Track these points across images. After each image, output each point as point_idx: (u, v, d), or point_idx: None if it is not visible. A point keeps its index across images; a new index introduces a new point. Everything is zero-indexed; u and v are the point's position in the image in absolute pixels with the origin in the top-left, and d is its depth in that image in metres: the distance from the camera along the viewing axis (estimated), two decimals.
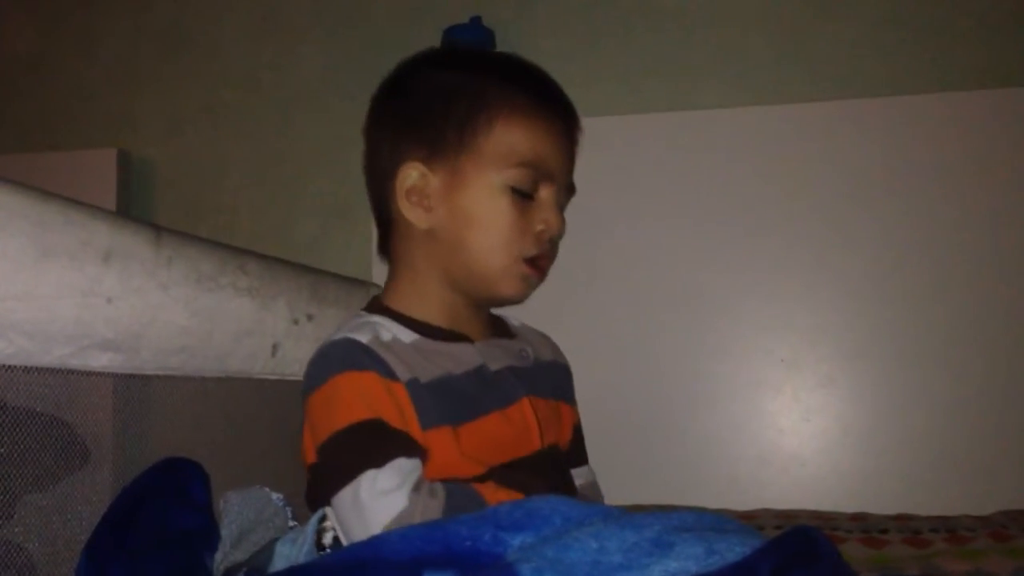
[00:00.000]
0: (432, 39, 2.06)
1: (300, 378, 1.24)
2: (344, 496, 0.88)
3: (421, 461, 0.90)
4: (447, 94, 1.02)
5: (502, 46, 2.06)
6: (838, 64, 1.97)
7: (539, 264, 1.02)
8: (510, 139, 0.99)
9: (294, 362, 1.25)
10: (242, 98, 2.30)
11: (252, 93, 2.30)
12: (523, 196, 1.00)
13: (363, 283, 1.46)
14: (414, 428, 0.92)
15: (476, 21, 2.04)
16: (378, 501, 0.85)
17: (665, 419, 1.89)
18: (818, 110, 1.91)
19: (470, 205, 1.00)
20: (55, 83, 2.41)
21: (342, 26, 2.25)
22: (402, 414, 0.92)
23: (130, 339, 0.96)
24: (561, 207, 1.04)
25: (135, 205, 2.27)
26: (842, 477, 1.82)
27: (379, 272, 1.93)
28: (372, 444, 0.89)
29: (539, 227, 1.00)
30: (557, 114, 1.03)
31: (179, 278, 1.02)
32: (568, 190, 1.06)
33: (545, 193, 1.01)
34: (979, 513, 1.47)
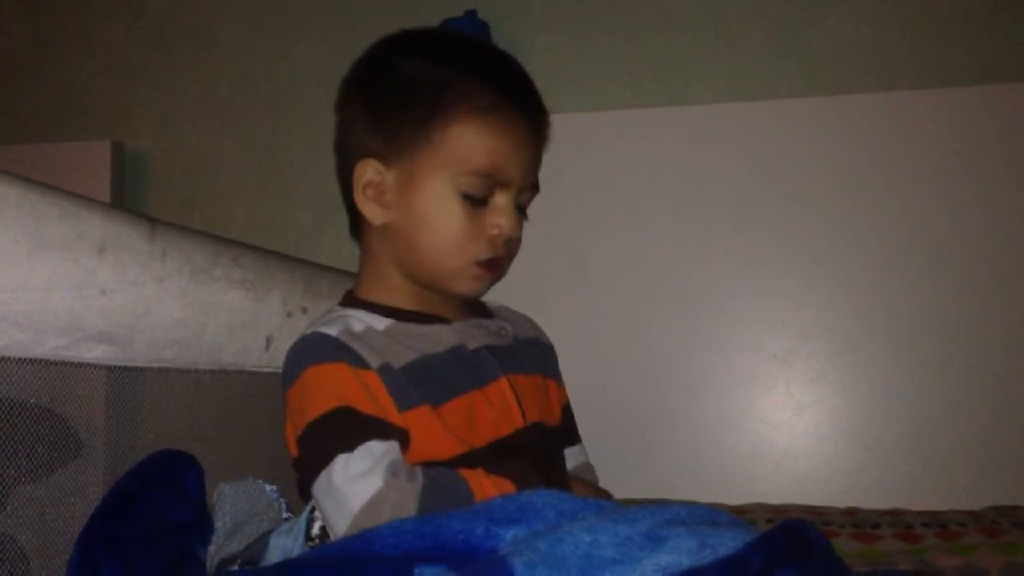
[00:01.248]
0: None
1: None
2: (320, 483, 0.89)
3: (399, 444, 0.91)
4: (408, 88, 1.01)
5: (497, 40, 2.06)
6: (832, 60, 1.97)
7: (494, 264, 1.02)
8: (465, 143, 0.98)
9: None
10: (237, 91, 2.30)
11: (247, 86, 2.29)
12: (475, 202, 0.99)
13: (356, 276, 1.46)
14: (391, 412, 0.93)
15: (471, 15, 2.04)
16: (351, 485, 0.86)
17: (657, 414, 1.89)
18: (811, 106, 1.91)
19: (423, 206, 0.99)
20: (50, 75, 2.40)
21: (337, 20, 2.25)
22: (375, 400, 0.92)
23: (124, 331, 0.96)
24: (522, 206, 1.04)
25: (129, 197, 2.26)
26: (834, 472, 1.82)
27: None
28: (342, 430, 0.90)
29: (492, 231, 1.00)
30: (523, 113, 1.01)
31: (173, 270, 1.02)
32: (531, 188, 1.05)
33: (500, 198, 1.00)
34: (970, 508, 1.47)
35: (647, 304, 1.93)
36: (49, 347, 0.88)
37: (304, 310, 1.27)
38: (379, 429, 0.91)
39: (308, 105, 2.25)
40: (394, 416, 0.93)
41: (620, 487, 1.23)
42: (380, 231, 1.04)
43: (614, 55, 2.07)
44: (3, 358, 0.83)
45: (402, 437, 0.92)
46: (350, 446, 0.88)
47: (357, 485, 0.86)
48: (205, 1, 2.34)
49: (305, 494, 0.95)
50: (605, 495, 1.09)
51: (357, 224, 1.08)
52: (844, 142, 1.87)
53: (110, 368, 0.98)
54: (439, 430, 0.94)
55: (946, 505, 1.50)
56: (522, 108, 1.02)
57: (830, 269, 1.86)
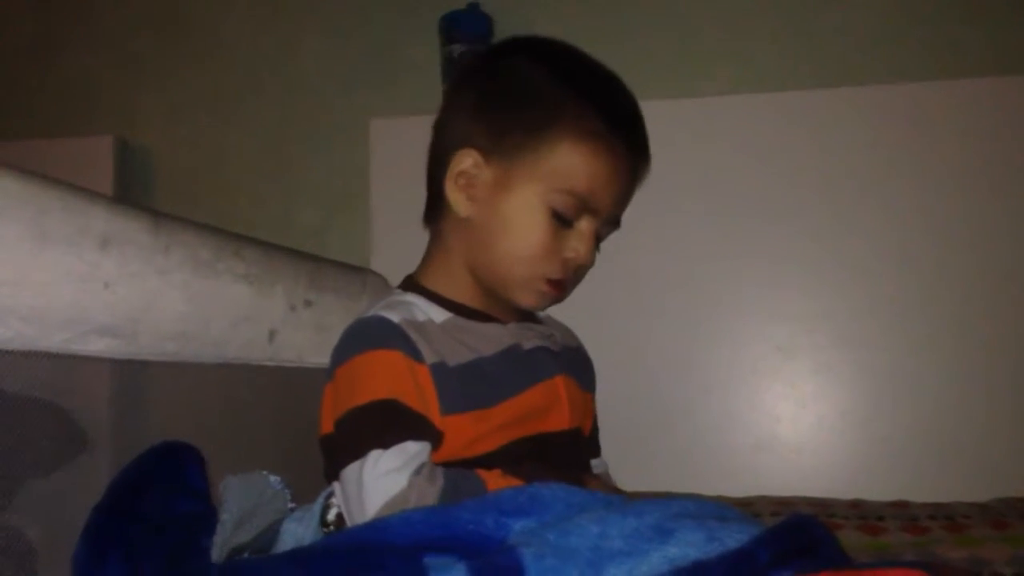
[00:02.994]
0: (430, 26, 2.06)
1: (297, 365, 1.25)
2: (351, 472, 0.89)
3: (431, 444, 0.92)
4: (528, 94, 1.01)
5: (500, 33, 2.06)
6: (839, 52, 1.97)
7: (560, 285, 1.03)
8: (569, 163, 0.98)
9: (291, 349, 1.25)
10: (241, 86, 2.29)
11: (251, 81, 2.29)
12: (562, 220, 0.99)
13: (361, 270, 1.46)
14: (433, 412, 0.93)
15: (474, 8, 2.04)
16: (378, 481, 0.87)
17: (662, 406, 1.89)
18: (818, 98, 1.90)
19: (510, 211, 1.00)
20: (54, 71, 2.40)
21: (343, 14, 2.25)
22: (422, 396, 0.93)
23: (128, 325, 0.96)
24: (600, 238, 1.05)
25: (133, 192, 2.26)
26: (839, 464, 1.82)
27: (377, 260, 1.94)
28: (384, 424, 0.91)
29: (569, 254, 1.01)
30: (628, 149, 1.02)
31: (177, 264, 1.02)
32: (613, 223, 1.06)
33: (585, 224, 1.01)
34: (976, 500, 1.47)
35: (652, 296, 1.93)
36: (53, 340, 0.88)
37: (308, 304, 1.27)
38: (418, 428, 0.92)
39: (314, 100, 2.24)
40: (435, 416, 0.93)
41: (625, 479, 1.23)
42: (460, 222, 1.04)
43: (619, 47, 2.05)
44: (7, 351, 0.83)
45: (437, 438, 0.93)
46: (386, 443, 0.89)
47: (382, 482, 0.87)
48: None
49: (329, 474, 0.95)
50: (616, 492, 1.09)
51: (434, 209, 1.08)
52: (851, 134, 1.87)
53: (114, 361, 0.98)
54: (477, 434, 0.95)
55: (952, 497, 1.50)
56: (629, 144, 1.03)
57: (835, 261, 1.86)
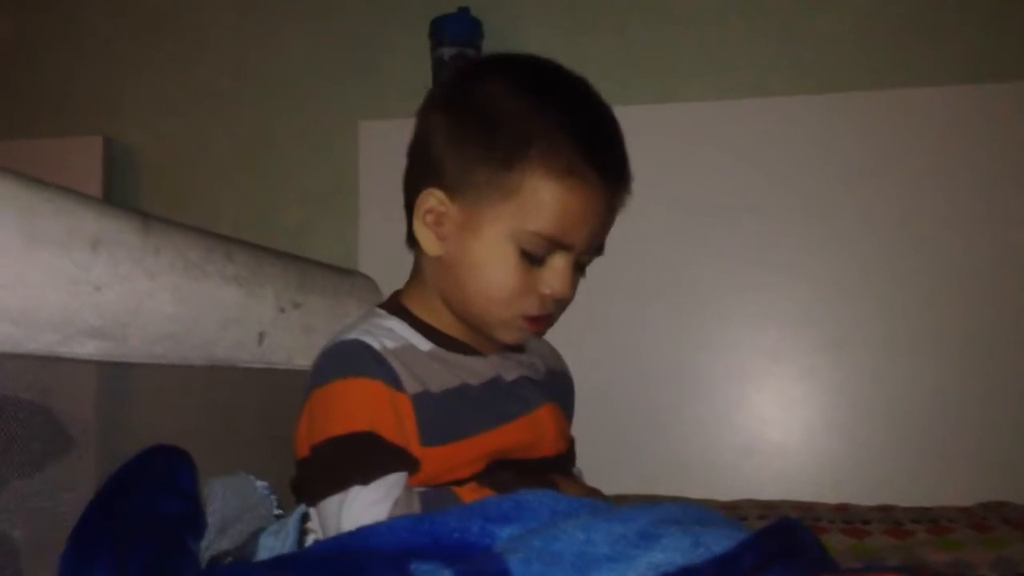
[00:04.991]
0: (420, 29, 2.06)
1: (287, 367, 1.24)
2: (330, 505, 0.89)
3: (409, 472, 0.91)
4: (496, 126, 0.96)
5: (490, 37, 2.06)
6: (824, 58, 1.98)
7: (540, 320, 1.00)
8: (538, 201, 0.94)
9: (280, 350, 1.25)
10: (227, 85, 2.29)
11: (237, 80, 2.29)
12: (533, 260, 0.96)
13: (350, 272, 1.46)
14: (412, 443, 0.92)
15: (464, 11, 2.04)
16: (360, 517, 0.86)
17: (649, 410, 1.90)
18: (803, 103, 1.91)
19: (479, 252, 0.96)
20: (38, 71, 2.38)
21: (328, 13, 2.24)
22: (401, 427, 0.92)
23: (117, 327, 0.96)
24: (582, 265, 1.01)
25: (119, 192, 2.25)
26: (825, 468, 1.83)
27: (365, 261, 1.94)
28: (364, 458, 0.89)
29: (545, 290, 0.97)
30: (604, 180, 0.97)
31: (166, 266, 1.02)
32: (594, 252, 1.02)
33: (559, 259, 0.96)
34: (960, 504, 1.48)
35: (638, 300, 1.93)
36: (42, 342, 0.87)
37: (296, 305, 1.27)
38: (397, 460, 0.90)
39: (298, 98, 2.24)
40: (414, 447, 0.92)
41: (611, 483, 1.24)
42: (433, 258, 1.00)
43: (606, 52, 2.07)
44: None
45: (414, 467, 0.92)
46: (367, 478, 0.88)
47: (364, 517, 0.85)
48: None
49: (301, 495, 0.95)
50: (596, 493, 1.09)
51: (412, 236, 1.03)
52: (835, 139, 1.88)
53: (102, 363, 0.98)
54: (460, 462, 0.94)
55: (936, 501, 1.51)
56: (604, 175, 0.97)
57: (820, 265, 1.87)
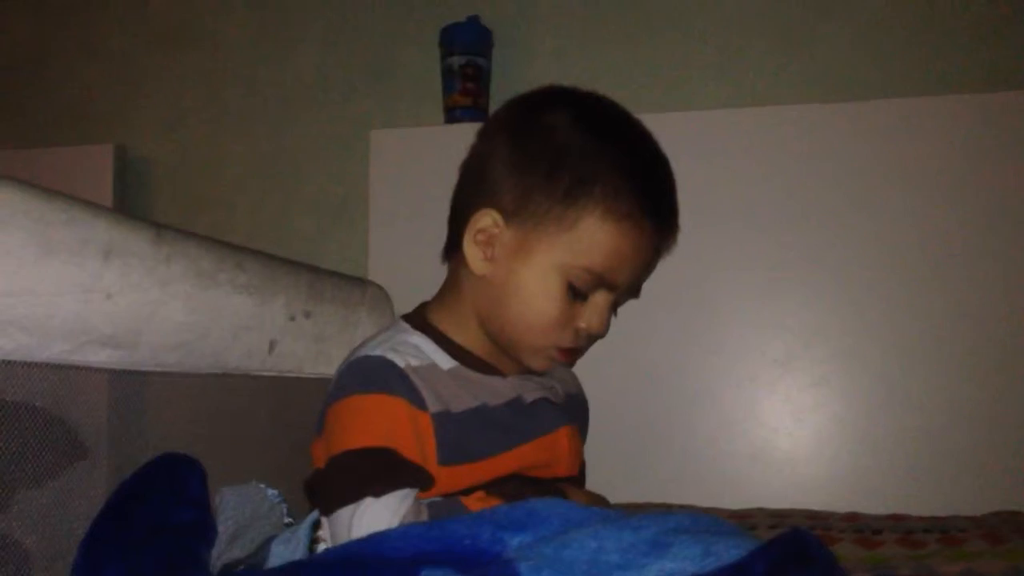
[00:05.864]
0: (430, 38, 2.07)
1: (297, 375, 1.25)
2: (342, 516, 0.89)
3: (422, 488, 0.91)
4: (562, 159, 0.97)
5: (500, 46, 2.07)
6: (833, 66, 1.98)
7: (572, 353, 1.02)
8: (592, 239, 0.96)
9: (291, 359, 1.25)
10: (240, 95, 2.30)
11: (250, 90, 2.30)
12: (577, 293, 0.98)
13: (361, 281, 1.46)
14: (430, 461, 0.93)
15: (474, 20, 2.04)
16: (369, 529, 0.86)
17: (658, 418, 1.89)
18: (814, 112, 1.91)
19: (526, 278, 0.98)
20: (53, 80, 2.40)
21: (340, 24, 2.25)
22: (420, 445, 0.92)
23: (129, 335, 0.96)
24: (616, 305, 1.03)
25: (131, 201, 2.26)
26: (835, 477, 1.82)
27: (375, 271, 1.95)
28: (380, 473, 0.90)
29: (582, 324, 0.99)
30: (657, 229, 1.01)
31: (178, 275, 1.03)
32: (632, 293, 1.04)
33: (601, 297, 0.99)
34: (972, 514, 1.48)
35: (648, 308, 1.92)
36: (55, 351, 0.88)
37: (307, 314, 1.28)
38: (413, 477, 0.91)
39: (312, 109, 2.25)
40: (432, 465, 0.92)
41: (621, 491, 1.24)
42: (476, 277, 1.01)
43: (618, 61, 2.08)
44: (9, 362, 0.84)
45: (429, 484, 0.92)
46: (379, 492, 0.88)
47: (374, 528, 0.86)
48: (209, 5, 2.34)
49: (314, 503, 0.95)
50: (603, 502, 1.10)
51: (453, 249, 1.05)
52: (846, 148, 1.88)
53: (114, 372, 0.98)
54: (476, 480, 0.94)
55: (948, 511, 1.50)
56: (659, 224, 1.01)
57: (831, 274, 1.86)
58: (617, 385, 1.88)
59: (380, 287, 1.48)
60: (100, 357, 0.94)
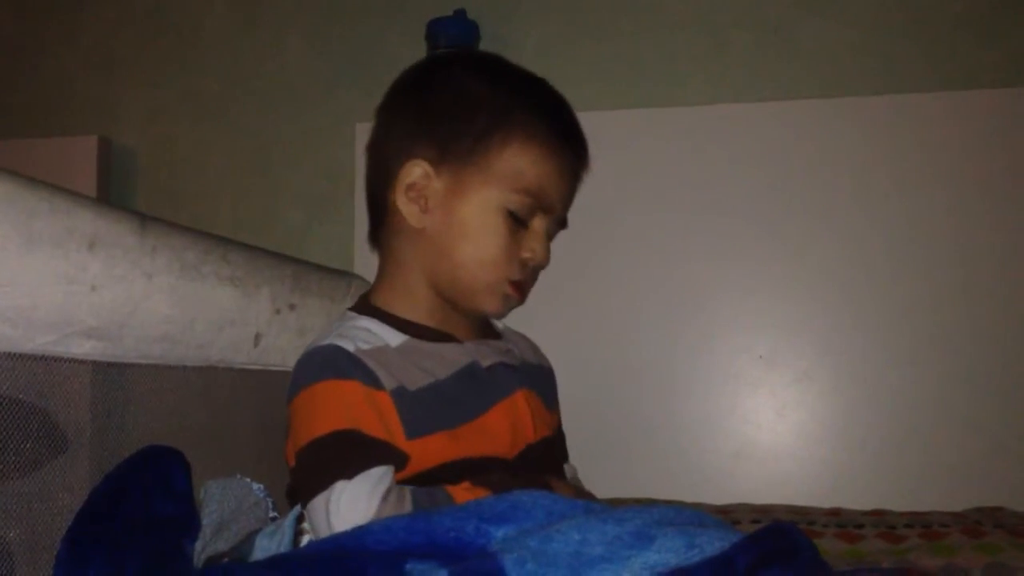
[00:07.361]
0: (416, 32, 2.06)
1: (282, 368, 1.25)
2: (317, 504, 0.89)
3: (395, 467, 0.92)
4: (473, 102, 1.03)
5: (486, 40, 2.06)
6: (820, 63, 1.98)
7: (521, 287, 1.04)
8: (520, 163, 1.00)
9: (276, 352, 1.25)
10: (224, 87, 2.29)
11: (234, 82, 2.29)
12: (517, 221, 1.01)
13: (345, 274, 1.46)
14: (398, 437, 0.93)
15: (460, 14, 2.04)
16: (346, 513, 0.87)
17: (642, 413, 1.90)
18: (799, 108, 1.92)
19: (467, 216, 1.01)
20: (37, 70, 2.39)
21: (326, 16, 2.25)
22: (384, 423, 0.93)
23: (113, 327, 0.96)
24: (550, 237, 1.06)
25: (115, 193, 2.25)
26: (818, 472, 1.83)
27: (361, 264, 1.94)
28: (346, 455, 0.90)
29: (526, 254, 1.02)
30: (572, 150, 1.05)
31: (163, 267, 1.02)
32: (560, 223, 1.07)
33: (538, 223, 1.03)
34: (953, 509, 1.49)
35: (632, 304, 1.94)
36: (38, 342, 0.88)
37: (292, 307, 1.27)
38: (383, 454, 0.91)
39: (297, 101, 2.24)
40: (400, 441, 0.93)
41: (605, 486, 1.24)
42: (413, 236, 1.03)
43: (603, 56, 2.08)
44: None
45: (401, 461, 0.93)
46: (351, 473, 0.88)
47: (350, 514, 0.86)
48: None
49: (295, 500, 0.95)
50: (589, 496, 1.10)
51: (381, 227, 1.08)
52: (830, 144, 1.89)
53: (98, 364, 0.98)
54: (448, 455, 0.95)
55: (929, 506, 1.51)
56: (571, 146, 1.05)
57: (815, 270, 1.87)
58: (601, 381, 1.88)
59: (365, 280, 1.48)
60: (84, 349, 0.93)
